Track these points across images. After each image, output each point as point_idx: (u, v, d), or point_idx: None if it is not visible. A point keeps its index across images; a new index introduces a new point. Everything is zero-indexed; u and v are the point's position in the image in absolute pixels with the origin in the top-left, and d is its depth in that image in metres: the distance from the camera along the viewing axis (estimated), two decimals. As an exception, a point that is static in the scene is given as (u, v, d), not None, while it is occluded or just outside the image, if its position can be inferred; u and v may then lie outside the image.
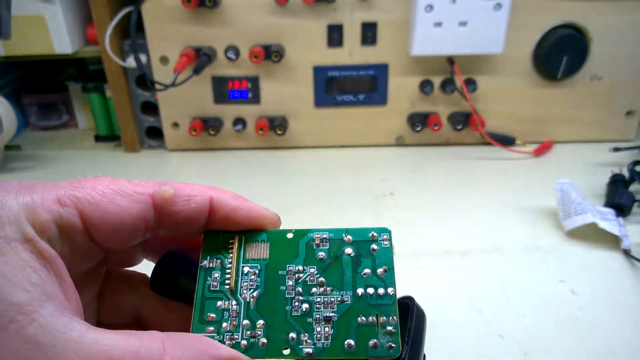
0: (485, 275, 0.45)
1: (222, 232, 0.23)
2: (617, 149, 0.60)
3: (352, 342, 0.20)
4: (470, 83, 0.64)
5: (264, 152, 0.69)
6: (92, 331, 0.17)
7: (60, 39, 0.63)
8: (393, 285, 0.22)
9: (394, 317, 0.21)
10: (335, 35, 0.62)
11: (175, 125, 0.68)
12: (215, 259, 0.23)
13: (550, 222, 0.52)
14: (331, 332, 0.21)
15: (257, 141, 0.69)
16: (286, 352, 0.20)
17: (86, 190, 0.20)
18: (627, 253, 0.46)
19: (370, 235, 0.23)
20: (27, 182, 0.20)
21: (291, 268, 0.22)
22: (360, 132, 0.68)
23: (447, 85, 0.63)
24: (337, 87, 0.65)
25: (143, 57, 0.63)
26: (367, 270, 0.22)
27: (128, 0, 0.63)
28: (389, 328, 0.21)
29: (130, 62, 0.63)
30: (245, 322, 0.21)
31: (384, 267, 0.22)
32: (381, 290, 0.22)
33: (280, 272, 0.22)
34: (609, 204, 0.52)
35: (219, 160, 0.67)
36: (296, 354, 0.20)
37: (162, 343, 0.17)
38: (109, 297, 0.25)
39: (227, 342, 0.21)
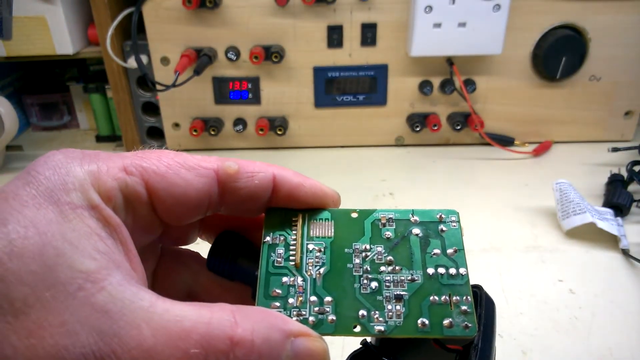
0: (484, 274, 0.45)
1: (284, 209, 0.23)
2: (615, 149, 0.60)
3: (425, 320, 0.20)
4: (470, 83, 0.64)
5: (264, 152, 0.69)
6: (162, 301, 0.16)
7: (62, 39, 0.63)
8: (465, 265, 0.21)
9: (468, 297, 0.20)
10: (335, 36, 0.62)
11: (176, 125, 0.68)
12: (278, 236, 0.22)
13: (548, 222, 0.52)
14: (403, 310, 0.20)
15: (258, 141, 0.69)
16: (357, 329, 0.20)
17: (152, 161, 0.20)
18: (625, 253, 0.47)
19: (438, 216, 0.23)
20: (89, 151, 0.19)
21: (357, 246, 0.22)
22: (360, 133, 0.68)
23: (447, 85, 0.64)
24: (337, 88, 0.65)
25: (144, 58, 0.64)
26: (436, 251, 0.22)
27: (129, 1, 0.63)
28: (464, 308, 0.20)
29: (131, 62, 0.64)
30: (313, 298, 0.20)
31: (454, 247, 0.22)
32: (452, 270, 0.21)
33: (346, 250, 0.22)
34: (607, 203, 0.53)
35: (220, 161, 0.68)
36: (367, 332, 0.20)
37: (232, 315, 0.17)
38: (162, 275, 0.24)
39: (294, 318, 0.20)
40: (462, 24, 0.59)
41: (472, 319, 0.20)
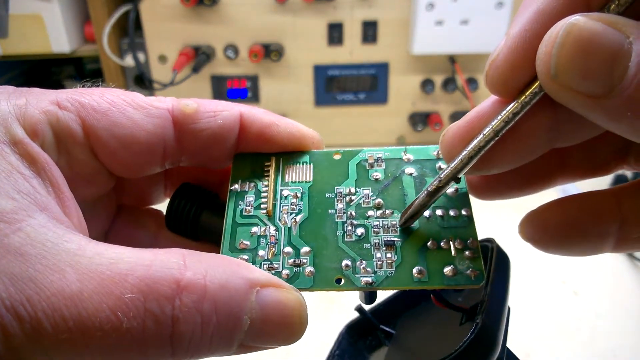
0: (487, 276, 0.45)
1: (255, 154, 0.20)
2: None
3: (422, 268, 0.17)
4: (472, 82, 0.63)
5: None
6: (94, 245, 0.14)
7: (58, 37, 0.62)
8: (468, 206, 0.18)
9: (473, 239, 0.17)
10: (335, 34, 0.62)
11: (174, 124, 0.67)
12: (248, 182, 0.19)
13: (552, 223, 0.52)
14: (395, 258, 0.17)
15: (257, 140, 0.68)
16: (340, 283, 0.17)
17: (92, 97, 0.17)
18: (630, 254, 0.46)
19: (434, 153, 0.20)
20: (25, 88, 0.17)
21: (340, 190, 0.19)
22: (360, 132, 0.68)
23: (449, 84, 0.63)
24: (337, 86, 0.65)
25: (141, 56, 0.63)
26: None
27: (126, -1, 0.63)
28: (468, 253, 0.17)
29: (129, 60, 0.63)
30: (287, 249, 0.18)
31: (454, 187, 0.18)
32: (454, 212, 0.18)
33: (327, 195, 0.19)
34: (611, 204, 0.52)
35: (218, 160, 0.67)
36: (352, 285, 0.17)
37: (182, 258, 0.15)
38: (115, 236, 0.22)
39: None
40: (465, 22, 0.58)
41: (479, 264, 0.17)
